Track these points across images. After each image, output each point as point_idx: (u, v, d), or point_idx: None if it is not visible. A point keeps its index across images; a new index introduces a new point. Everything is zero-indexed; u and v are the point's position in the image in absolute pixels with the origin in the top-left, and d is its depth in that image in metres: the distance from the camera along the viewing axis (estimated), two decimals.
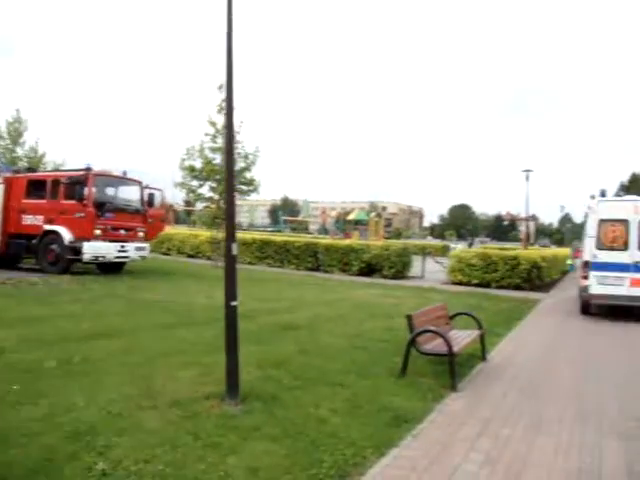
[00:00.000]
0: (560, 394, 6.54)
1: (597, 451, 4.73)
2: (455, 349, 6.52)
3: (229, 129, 5.86)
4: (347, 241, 25.89)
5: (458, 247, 35.47)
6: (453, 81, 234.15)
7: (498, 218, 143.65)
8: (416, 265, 23.01)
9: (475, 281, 19.34)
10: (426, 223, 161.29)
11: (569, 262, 25.25)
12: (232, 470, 3.82)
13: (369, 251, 21.74)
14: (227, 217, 5.53)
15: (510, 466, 4.34)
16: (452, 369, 6.43)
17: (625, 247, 12.65)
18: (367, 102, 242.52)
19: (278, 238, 25.75)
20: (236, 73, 5.32)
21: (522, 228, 52.23)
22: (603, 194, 13.51)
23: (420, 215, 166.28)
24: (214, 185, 20.87)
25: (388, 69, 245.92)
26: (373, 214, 57.99)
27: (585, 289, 12.96)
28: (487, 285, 18.94)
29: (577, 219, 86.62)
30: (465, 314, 8.54)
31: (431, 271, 23.07)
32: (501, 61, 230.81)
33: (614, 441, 4.97)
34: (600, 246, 12.84)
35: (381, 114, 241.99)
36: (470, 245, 50.83)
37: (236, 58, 5.28)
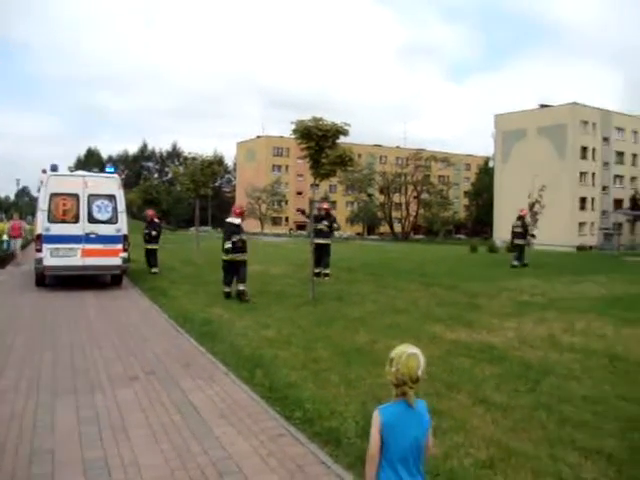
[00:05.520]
0: (16, 365, 6.72)
1: (50, 409, 5.19)
2: None
3: None
4: None
5: None
6: None
7: None
8: None
9: None
10: None
11: (5, 238, 20.61)
12: None
13: None
14: None
15: None
16: None
17: (76, 220, 13.26)
18: None
19: None
20: None
21: None
22: (54, 168, 13.62)
23: None
24: None
25: None
26: None
27: (39, 261, 13.09)
28: None
29: (35, 193, 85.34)
30: None
31: None
32: None
33: (65, 398, 5.53)
34: (52, 219, 13.12)
35: None
36: None
37: None
